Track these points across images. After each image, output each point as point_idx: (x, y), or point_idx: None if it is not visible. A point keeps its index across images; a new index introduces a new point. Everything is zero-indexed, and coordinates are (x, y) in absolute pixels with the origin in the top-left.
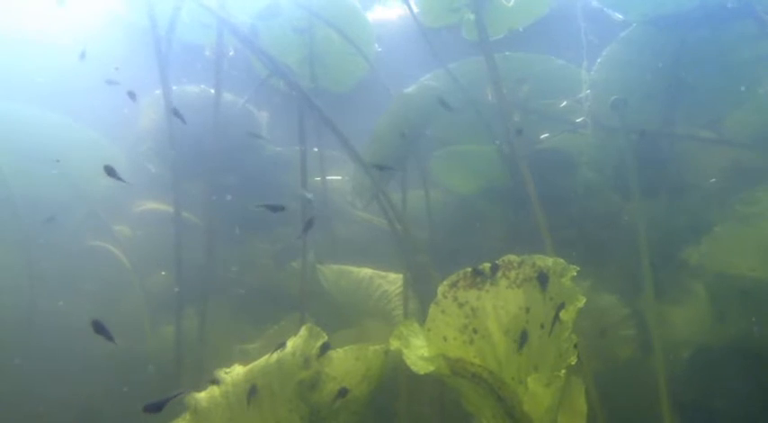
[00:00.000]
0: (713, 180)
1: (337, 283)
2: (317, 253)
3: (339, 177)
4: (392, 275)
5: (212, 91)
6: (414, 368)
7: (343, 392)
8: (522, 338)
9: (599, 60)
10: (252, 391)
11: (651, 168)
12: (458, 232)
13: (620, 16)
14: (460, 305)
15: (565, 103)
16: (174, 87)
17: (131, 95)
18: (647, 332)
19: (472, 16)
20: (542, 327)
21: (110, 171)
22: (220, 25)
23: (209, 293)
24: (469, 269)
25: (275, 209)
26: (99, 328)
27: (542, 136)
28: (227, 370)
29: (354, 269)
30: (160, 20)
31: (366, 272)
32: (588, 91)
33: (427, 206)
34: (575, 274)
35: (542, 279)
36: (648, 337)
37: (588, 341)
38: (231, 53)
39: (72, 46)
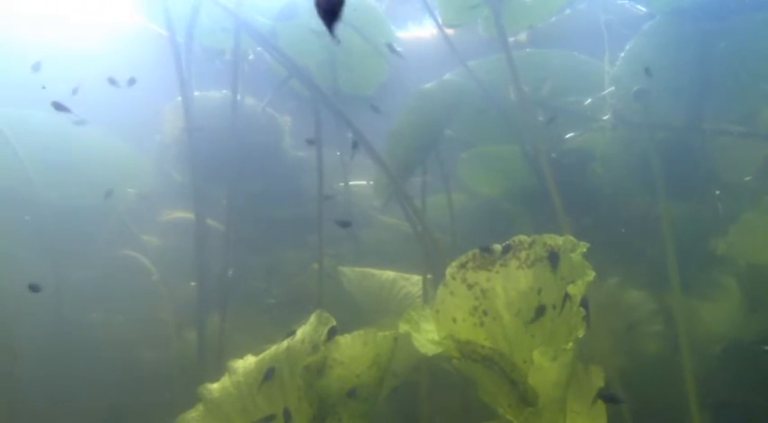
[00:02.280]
0: (748, 178)
1: (360, 285)
2: (341, 257)
3: (363, 182)
4: (415, 277)
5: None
6: (422, 350)
7: (351, 393)
8: (538, 313)
9: (622, 55)
10: (268, 374)
11: (680, 165)
12: (483, 235)
13: (643, 8)
14: (470, 286)
15: (589, 100)
16: (197, 93)
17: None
18: (676, 327)
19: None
20: (554, 307)
21: (58, 106)
22: (238, 27)
23: (234, 300)
24: (478, 249)
25: (344, 225)
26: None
27: (567, 135)
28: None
29: (377, 271)
30: (181, 26)
31: (389, 274)
32: (612, 87)
33: (450, 208)
34: (585, 250)
35: (553, 258)
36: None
37: (616, 336)
38: (251, 57)
39: (98, 56)
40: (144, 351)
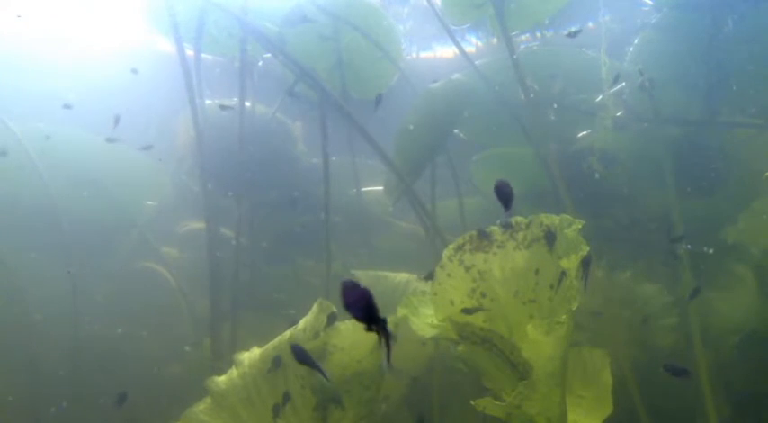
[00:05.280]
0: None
1: (374, 287)
2: (358, 262)
3: (379, 188)
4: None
5: (247, 103)
6: (420, 333)
7: (336, 399)
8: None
9: (631, 49)
10: (277, 362)
11: (694, 159)
12: None
13: (650, 1)
14: (467, 269)
15: (600, 97)
16: (209, 102)
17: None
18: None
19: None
20: (552, 287)
21: None
22: (244, 33)
23: (251, 308)
24: (475, 232)
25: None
26: None
27: (580, 134)
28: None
29: (391, 274)
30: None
31: (402, 276)
32: (622, 83)
33: (461, 210)
34: (580, 226)
35: (550, 238)
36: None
37: (630, 330)
38: (260, 63)
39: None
40: (164, 361)
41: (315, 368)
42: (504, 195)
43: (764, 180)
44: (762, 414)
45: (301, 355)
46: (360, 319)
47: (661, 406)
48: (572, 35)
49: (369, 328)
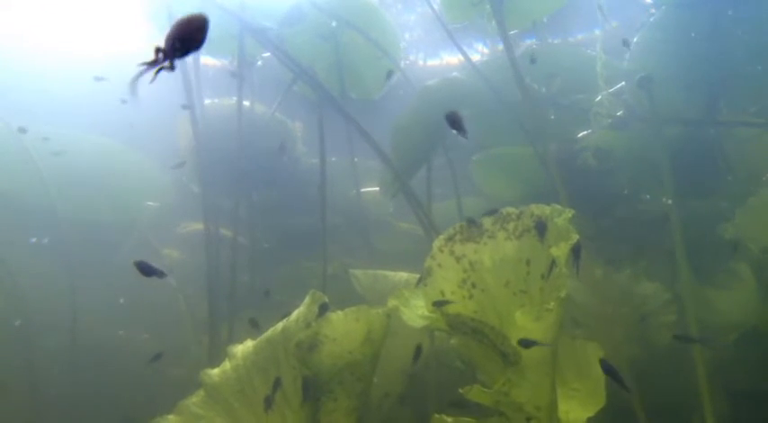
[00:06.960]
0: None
1: (373, 287)
2: (355, 262)
3: (377, 189)
4: None
5: (246, 104)
6: (410, 323)
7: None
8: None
9: (631, 48)
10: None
11: (694, 158)
12: None
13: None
14: (458, 259)
15: (600, 96)
16: (207, 101)
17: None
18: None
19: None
20: (543, 277)
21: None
22: (242, 31)
23: (251, 309)
24: (465, 221)
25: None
26: None
27: (580, 134)
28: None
29: (390, 273)
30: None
31: (401, 275)
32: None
33: (459, 209)
34: (570, 215)
35: (540, 228)
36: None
37: (628, 327)
38: (259, 63)
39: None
40: (163, 361)
41: (162, 277)
42: (454, 121)
43: (765, 180)
44: (760, 412)
45: (145, 268)
46: (169, 44)
47: (658, 403)
48: (533, 61)
49: (158, 54)
